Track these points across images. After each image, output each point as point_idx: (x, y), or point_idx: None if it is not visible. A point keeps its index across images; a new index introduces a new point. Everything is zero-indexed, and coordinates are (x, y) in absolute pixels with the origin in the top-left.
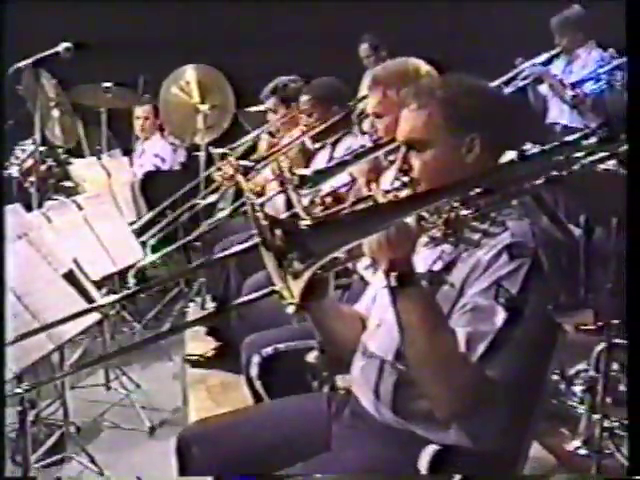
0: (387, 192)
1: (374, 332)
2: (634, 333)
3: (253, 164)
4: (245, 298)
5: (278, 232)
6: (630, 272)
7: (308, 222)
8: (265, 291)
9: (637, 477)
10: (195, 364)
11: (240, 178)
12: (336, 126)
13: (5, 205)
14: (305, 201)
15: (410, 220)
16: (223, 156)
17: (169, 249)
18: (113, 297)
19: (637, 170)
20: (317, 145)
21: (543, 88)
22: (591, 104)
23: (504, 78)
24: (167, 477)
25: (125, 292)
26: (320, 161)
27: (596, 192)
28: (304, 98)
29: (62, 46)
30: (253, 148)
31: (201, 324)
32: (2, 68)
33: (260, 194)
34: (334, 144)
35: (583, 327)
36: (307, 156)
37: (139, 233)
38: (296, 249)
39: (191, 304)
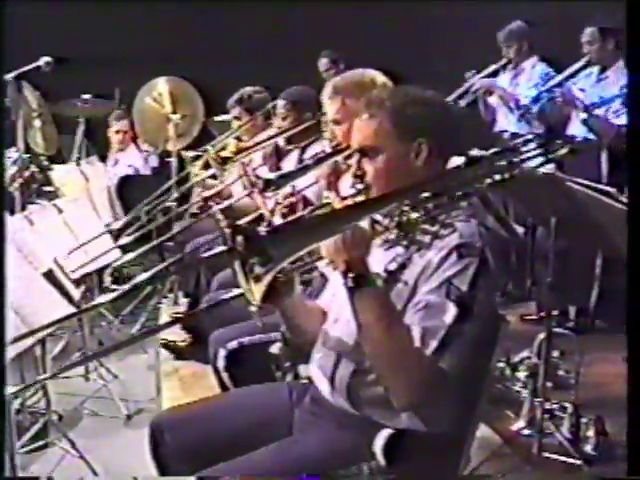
0: (344, 199)
1: (332, 326)
2: (634, 334)
3: (231, 155)
4: (215, 297)
5: (239, 239)
6: (630, 273)
7: (267, 228)
8: (232, 294)
9: (637, 477)
10: (170, 349)
11: (215, 165)
12: (308, 131)
13: (5, 206)
14: (270, 203)
15: (364, 224)
16: (195, 159)
17: (144, 249)
18: (109, 296)
19: (637, 172)
20: (289, 147)
21: (492, 99)
22: (536, 114)
23: (458, 92)
24: (142, 461)
25: (117, 292)
26: (290, 163)
27: (537, 193)
28: (281, 102)
29: (43, 60)
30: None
31: (175, 324)
32: (1, 70)
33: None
34: (304, 148)
35: (527, 318)
36: (279, 157)
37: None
38: (257, 254)
39: (164, 300)
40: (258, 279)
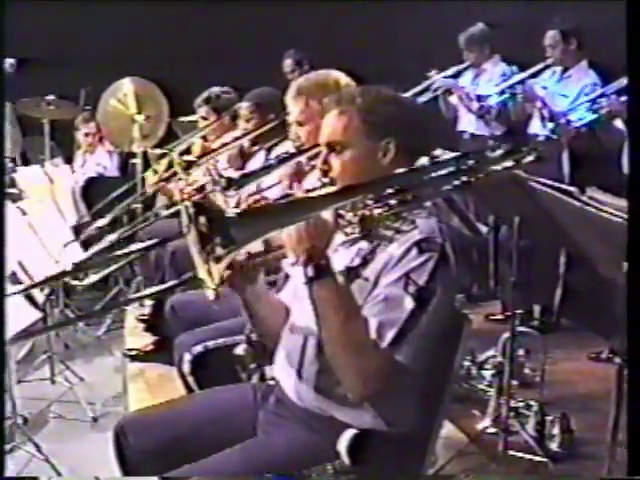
0: (308, 191)
1: (298, 322)
2: (634, 337)
3: (195, 159)
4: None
5: (202, 219)
6: (630, 274)
7: (232, 211)
8: (187, 276)
9: (637, 477)
10: (134, 357)
11: (179, 170)
12: (273, 132)
13: (5, 205)
14: (232, 202)
15: (327, 215)
16: (161, 156)
17: (98, 248)
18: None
19: (637, 172)
20: (254, 148)
21: (453, 98)
22: (495, 114)
23: (418, 88)
24: (107, 463)
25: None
26: (255, 164)
27: (500, 192)
28: (244, 104)
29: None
30: (187, 151)
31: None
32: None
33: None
34: (269, 149)
35: (492, 317)
36: (244, 158)
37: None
38: (219, 235)
39: None
40: (219, 260)
